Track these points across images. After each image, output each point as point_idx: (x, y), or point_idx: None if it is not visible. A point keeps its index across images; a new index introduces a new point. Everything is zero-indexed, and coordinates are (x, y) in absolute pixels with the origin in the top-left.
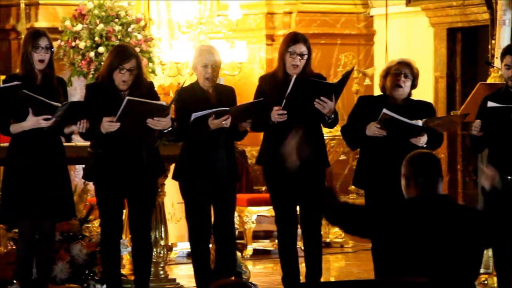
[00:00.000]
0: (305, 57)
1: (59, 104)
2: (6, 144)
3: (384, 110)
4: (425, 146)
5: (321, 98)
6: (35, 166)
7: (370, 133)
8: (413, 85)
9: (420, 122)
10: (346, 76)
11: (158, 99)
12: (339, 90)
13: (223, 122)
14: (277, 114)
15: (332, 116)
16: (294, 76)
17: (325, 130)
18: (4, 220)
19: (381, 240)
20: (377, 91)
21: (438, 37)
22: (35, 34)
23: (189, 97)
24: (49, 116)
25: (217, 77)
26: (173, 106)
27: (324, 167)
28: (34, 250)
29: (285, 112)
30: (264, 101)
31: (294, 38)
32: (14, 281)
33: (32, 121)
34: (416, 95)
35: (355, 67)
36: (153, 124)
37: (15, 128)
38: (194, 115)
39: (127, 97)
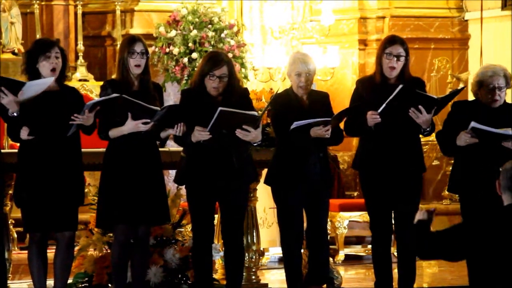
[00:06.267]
0: (402, 59)
1: (158, 108)
2: (102, 150)
3: (473, 123)
4: None
5: (419, 107)
6: (132, 170)
7: (462, 143)
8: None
9: (510, 131)
10: (454, 93)
11: (251, 106)
12: (441, 106)
13: (325, 133)
14: (371, 118)
15: (428, 129)
16: (401, 86)
17: None
18: (101, 224)
19: (479, 255)
20: (471, 96)
21: None
22: (131, 40)
23: (284, 103)
24: (148, 120)
25: (311, 85)
26: (265, 113)
27: (421, 172)
28: (129, 254)
29: (378, 115)
30: (360, 106)
31: (391, 40)
32: (109, 285)
33: (132, 125)
34: (511, 100)
35: (465, 87)
36: (242, 135)
37: (114, 132)
38: (296, 124)
39: (220, 108)
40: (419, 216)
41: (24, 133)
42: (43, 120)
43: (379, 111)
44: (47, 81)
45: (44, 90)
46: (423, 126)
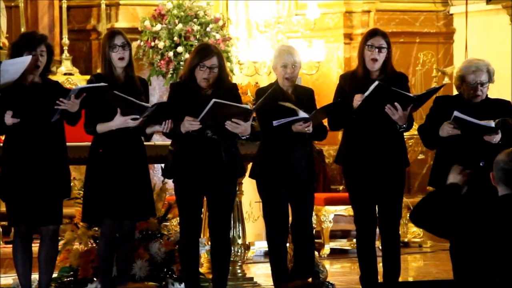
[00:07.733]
0: (384, 50)
1: (149, 105)
2: (87, 143)
3: (455, 113)
4: (500, 143)
5: (395, 104)
6: (117, 165)
7: (444, 133)
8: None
9: (492, 123)
10: (431, 92)
11: (240, 101)
12: (419, 104)
13: (306, 129)
14: (356, 100)
15: (404, 126)
16: (377, 82)
17: None
18: (86, 219)
19: (464, 238)
20: (456, 91)
21: None
22: (110, 34)
23: (269, 97)
24: (137, 116)
25: (296, 77)
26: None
27: (404, 166)
28: (115, 248)
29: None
30: (342, 102)
31: (372, 32)
32: (95, 279)
33: (120, 121)
34: (496, 94)
35: (443, 85)
36: (232, 127)
37: (102, 127)
38: (276, 123)
39: (213, 100)
40: (452, 178)
41: (8, 117)
42: (26, 110)
43: (356, 107)
44: (25, 60)
45: (27, 84)
46: (398, 123)
